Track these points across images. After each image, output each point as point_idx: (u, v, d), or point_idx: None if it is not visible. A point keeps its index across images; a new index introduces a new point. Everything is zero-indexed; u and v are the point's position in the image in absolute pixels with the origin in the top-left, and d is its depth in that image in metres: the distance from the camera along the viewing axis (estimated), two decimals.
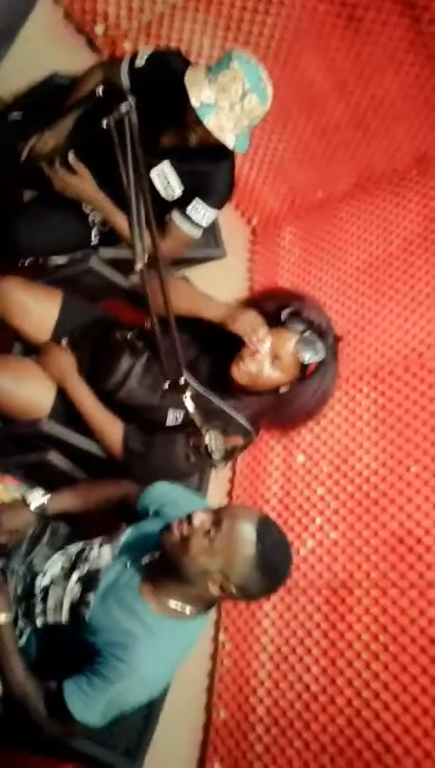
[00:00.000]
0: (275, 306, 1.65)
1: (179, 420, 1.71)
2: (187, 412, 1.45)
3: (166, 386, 1.36)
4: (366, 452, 2.29)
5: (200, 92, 1.74)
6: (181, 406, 1.44)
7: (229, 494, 2.57)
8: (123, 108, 1.16)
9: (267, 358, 1.61)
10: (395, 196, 2.76)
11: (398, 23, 2.31)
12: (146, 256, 1.23)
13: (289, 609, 2.18)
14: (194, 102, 1.74)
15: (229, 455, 1.42)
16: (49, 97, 2.14)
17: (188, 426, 1.53)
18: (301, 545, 2.26)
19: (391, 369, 2.40)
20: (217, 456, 1.39)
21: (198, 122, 1.75)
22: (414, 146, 2.69)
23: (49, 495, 1.58)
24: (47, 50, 2.40)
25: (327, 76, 2.51)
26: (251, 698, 2.12)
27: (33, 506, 1.54)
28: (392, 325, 2.48)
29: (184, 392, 1.35)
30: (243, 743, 2.07)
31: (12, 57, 2.27)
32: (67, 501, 1.60)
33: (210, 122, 1.75)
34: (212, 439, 1.38)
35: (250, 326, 1.58)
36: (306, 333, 1.60)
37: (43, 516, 1.56)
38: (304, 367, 1.63)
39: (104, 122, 1.19)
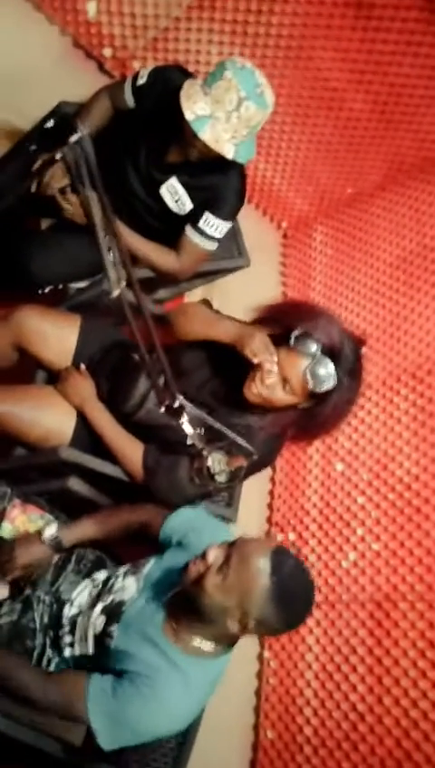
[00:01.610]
0: (285, 325, 1.57)
1: (205, 439, 1.68)
2: (206, 429, 1.42)
3: (162, 410, 1.33)
4: (407, 457, 2.19)
5: (195, 105, 1.71)
6: (197, 424, 1.41)
7: (269, 506, 2.52)
8: (73, 138, 1.15)
9: (279, 383, 1.55)
10: (428, 184, 2.63)
11: (410, 5, 2.20)
12: (123, 283, 1.21)
13: (333, 625, 2.10)
14: (188, 116, 1.71)
15: (234, 476, 1.38)
16: (59, 126, 2.17)
17: (208, 442, 1.50)
18: (343, 558, 2.19)
19: (429, 368, 2.28)
20: (221, 478, 1.35)
21: (195, 136, 1.73)
22: None
23: (59, 529, 1.56)
24: (61, 79, 2.44)
25: (343, 69, 2.42)
26: (298, 718, 2.06)
27: (46, 539, 1.54)
28: (429, 321, 2.36)
29: (179, 415, 1.32)
30: (291, 764, 2.02)
31: (28, 89, 2.33)
32: (83, 530, 1.60)
33: (206, 135, 1.72)
34: (215, 461, 1.34)
35: (258, 350, 1.52)
36: (316, 358, 1.49)
37: (59, 549, 1.56)
38: (315, 395, 1.55)
39: (58, 155, 1.18)
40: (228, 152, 1.74)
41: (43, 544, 1.54)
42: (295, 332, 1.50)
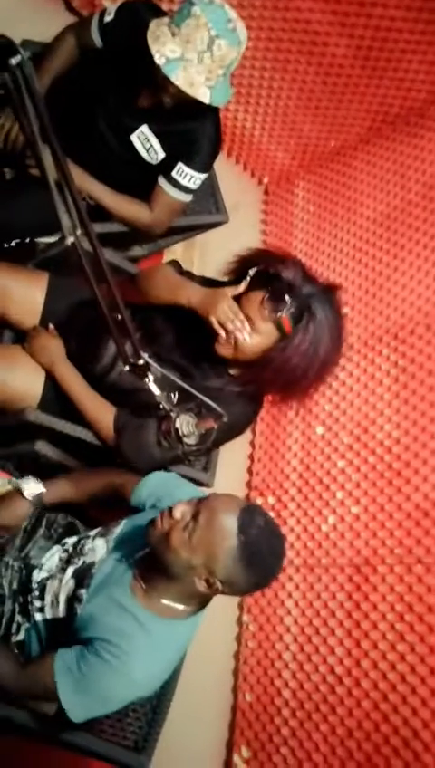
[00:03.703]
0: (242, 269, 1.52)
1: (174, 400, 1.62)
2: (177, 391, 1.35)
3: (126, 369, 1.26)
4: (387, 420, 2.14)
5: (164, 47, 1.60)
6: (164, 384, 1.34)
7: (249, 470, 2.47)
8: (13, 62, 1.05)
9: (245, 326, 1.48)
10: (413, 137, 2.53)
11: None
12: (78, 230, 1.12)
13: (312, 589, 2.08)
14: (158, 60, 1.60)
15: (204, 439, 1.31)
16: None
17: (179, 404, 1.43)
18: (322, 522, 2.15)
19: (411, 328, 2.22)
20: (190, 440, 1.29)
21: (168, 80, 1.61)
22: (430, 79, 2.45)
23: (43, 486, 1.53)
24: (24, 18, 2.28)
25: (324, 11, 2.29)
26: (276, 681, 2.05)
27: (29, 496, 1.49)
28: (412, 280, 2.29)
29: (145, 374, 1.25)
30: (269, 726, 2.01)
31: None
32: (64, 489, 1.56)
33: (179, 79, 1.61)
34: (183, 423, 1.28)
35: (225, 317, 1.46)
36: (271, 289, 1.43)
37: (41, 506, 1.51)
38: (280, 326, 1.48)
39: None
40: (204, 96, 1.64)
41: (24, 502, 1.50)
42: (251, 271, 1.45)
